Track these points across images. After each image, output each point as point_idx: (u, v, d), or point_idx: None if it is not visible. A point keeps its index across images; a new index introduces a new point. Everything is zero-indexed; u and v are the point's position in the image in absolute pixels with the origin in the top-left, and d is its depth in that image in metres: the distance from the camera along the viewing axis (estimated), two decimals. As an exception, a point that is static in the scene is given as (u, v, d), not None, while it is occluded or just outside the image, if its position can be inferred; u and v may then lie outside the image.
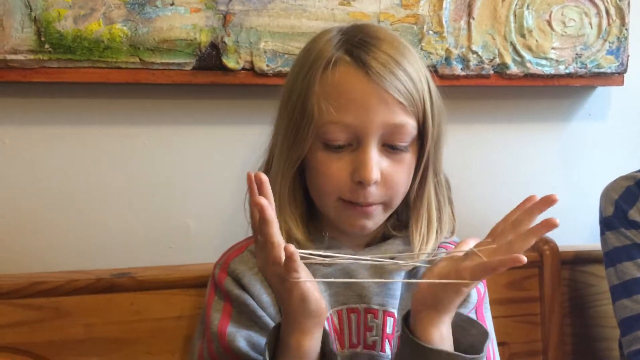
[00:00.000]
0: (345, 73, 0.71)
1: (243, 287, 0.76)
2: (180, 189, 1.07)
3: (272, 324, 0.74)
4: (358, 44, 0.72)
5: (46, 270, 0.97)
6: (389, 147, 0.73)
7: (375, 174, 0.71)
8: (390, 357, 0.75)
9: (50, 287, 0.90)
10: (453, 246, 0.82)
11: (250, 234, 0.84)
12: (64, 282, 0.91)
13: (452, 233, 0.83)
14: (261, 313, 0.75)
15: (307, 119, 0.72)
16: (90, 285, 0.91)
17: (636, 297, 0.89)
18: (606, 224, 0.97)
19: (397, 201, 0.76)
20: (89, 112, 1.02)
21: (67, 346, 0.91)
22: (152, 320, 0.93)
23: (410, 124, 0.72)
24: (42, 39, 0.94)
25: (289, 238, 0.75)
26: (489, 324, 0.80)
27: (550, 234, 1.08)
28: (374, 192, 0.72)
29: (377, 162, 0.71)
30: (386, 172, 0.72)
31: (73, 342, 0.91)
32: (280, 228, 0.74)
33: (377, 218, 0.75)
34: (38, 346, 0.90)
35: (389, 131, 0.71)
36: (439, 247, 0.80)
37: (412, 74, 0.72)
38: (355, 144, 0.72)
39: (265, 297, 0.76)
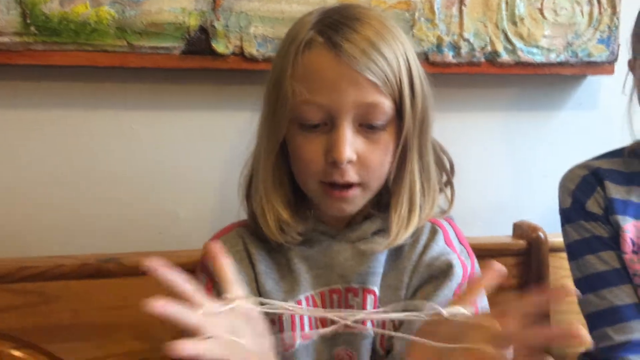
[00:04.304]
0: (317, 55, 0.72)
1: None
2: (169, 174, 1.06)
3: None
4: (332, 24, 0.73)
5: (32, 255, 0.96)
6: (366, 127, 0.73)
7: (347, 153, 0.71)
8: (371, 333, 0.75)
9: (36, 272, 0.90)
10: (447, 223, 0.83)
11: (241, 217, 0.85)
12: (50, 267, 0.90)
13: (445, 212, 0.83)
14: None
15: (282, 100, 0.73)
16: (77, 270, 0.91)
17: (600, 292, 0.88)
18: (565, 217, 0.95)
19: (376, 183, 0.76)
20: (75, 96, 1.01)
21: (53, 331, 0.91)
22: (140, 306, 0.92)
23: (385, 104, 0.72)
24: (28, 21, 0.93)
25: (278, 220, 0.77)
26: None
27: (540, 223, 1.09)
28: (350, 172, 0.73)
29: (350, 142, 0.72)
30: (362, 152, 0.73)
31: (60, 327, 0.91)
32: (268, 210, 0.77)
33: (356, 201, 0.76)
34: (24, 331, 0.90)
35: (363, 111, 0.72)
36: (429, 221, 0.81)
37: (387, 53, 0.72)
38: (330, 124, 0.73)
39: (241, 276, 0.77)
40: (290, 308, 0.67)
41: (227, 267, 0.63)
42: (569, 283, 0.97)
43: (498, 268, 0.60)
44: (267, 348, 0.64)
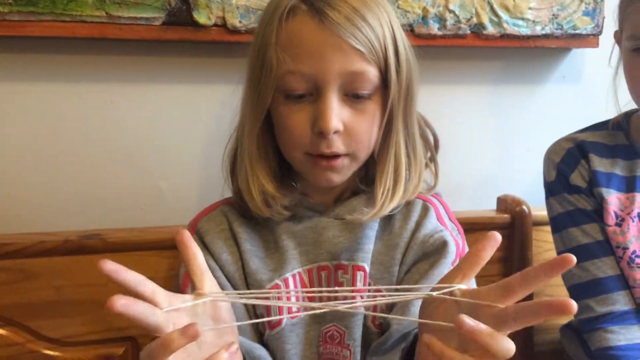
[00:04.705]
0: (301, 22, 0.71)
1: (205, 246, 0.78)
2: (151, 149, 1.04)
3: (227, 284, 0.76)
4: None
5: (13, 231, 0.94)
6: (352, 97, 0.72)
7: (334, 123, 0.70)
8: (362, 310, 0.74)
9: (17, 248, 0.89)
10: (437, 200, 0.83)
11: (226, 195, 0.84)
12: (31, 243, 0.89)
13: (432, 188, 0.84)
14: (219, 274, 0.76)
15: (267, 70, 0.72)
16: (59, 246, 0.90)
17: (583, 265, 0.89)
18: (549, 189, 0.96)
19: (364, 153, 0.75)
20: (52, 68, 0.98)
21: (35, 308, 0.90)
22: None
23: (371, 72, 0.71)
24: (2, -10, 0.90)
25: (262, 192, 0.76)
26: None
27: (524, 196, 1.09)
28: (337, 142, 0.72)
29: (337, 112, 0.71)
30: (348, 122, 0.72)
31: (42, 304, 0.90)
32: (253, 183, 0.76)
33: (344, 171, 0.75)
34: (6, 308, 0.89)
35: (349, 79, 0.71)
36: (419, 198, 0.80)
37: (372, 21, 0.71)
38: (315, 94, 0.72)
39: (225, 256, 0.77)
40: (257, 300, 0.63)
41: (197, 258, 0.59)
42: (552, 256, 0.98)
43: (496, 238, 0.57)
44: (231, 340, 0.60)
